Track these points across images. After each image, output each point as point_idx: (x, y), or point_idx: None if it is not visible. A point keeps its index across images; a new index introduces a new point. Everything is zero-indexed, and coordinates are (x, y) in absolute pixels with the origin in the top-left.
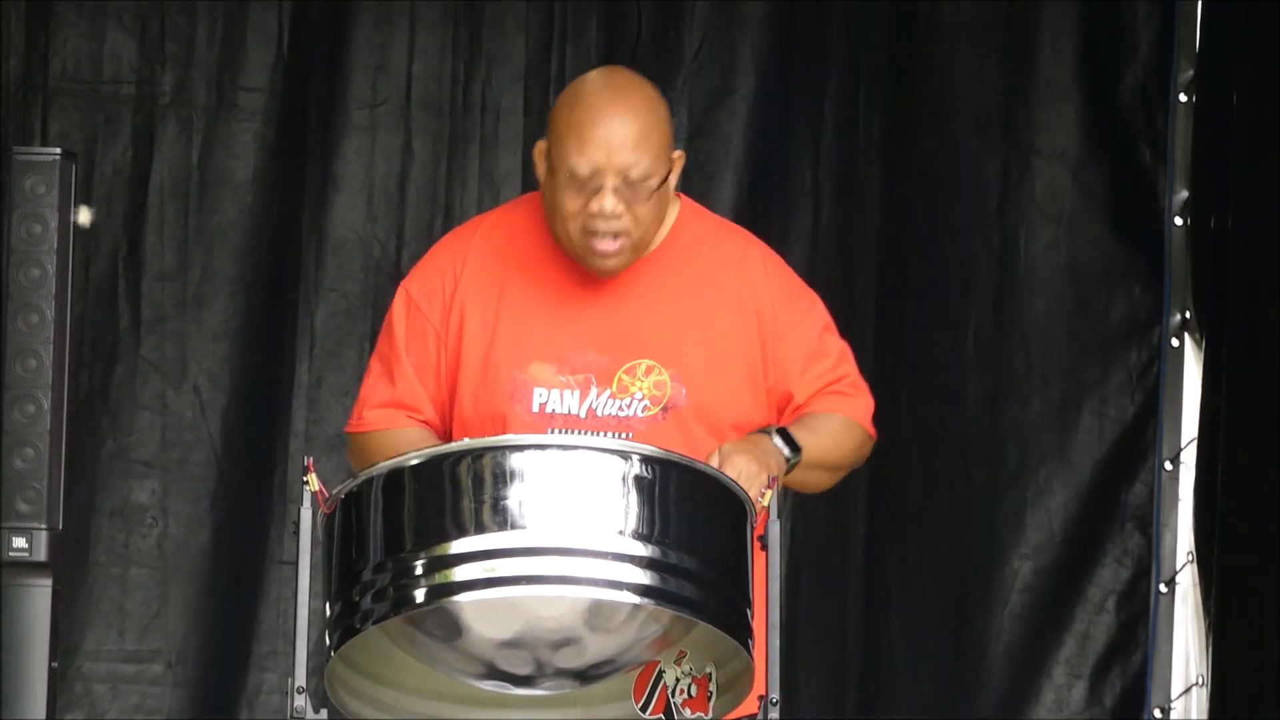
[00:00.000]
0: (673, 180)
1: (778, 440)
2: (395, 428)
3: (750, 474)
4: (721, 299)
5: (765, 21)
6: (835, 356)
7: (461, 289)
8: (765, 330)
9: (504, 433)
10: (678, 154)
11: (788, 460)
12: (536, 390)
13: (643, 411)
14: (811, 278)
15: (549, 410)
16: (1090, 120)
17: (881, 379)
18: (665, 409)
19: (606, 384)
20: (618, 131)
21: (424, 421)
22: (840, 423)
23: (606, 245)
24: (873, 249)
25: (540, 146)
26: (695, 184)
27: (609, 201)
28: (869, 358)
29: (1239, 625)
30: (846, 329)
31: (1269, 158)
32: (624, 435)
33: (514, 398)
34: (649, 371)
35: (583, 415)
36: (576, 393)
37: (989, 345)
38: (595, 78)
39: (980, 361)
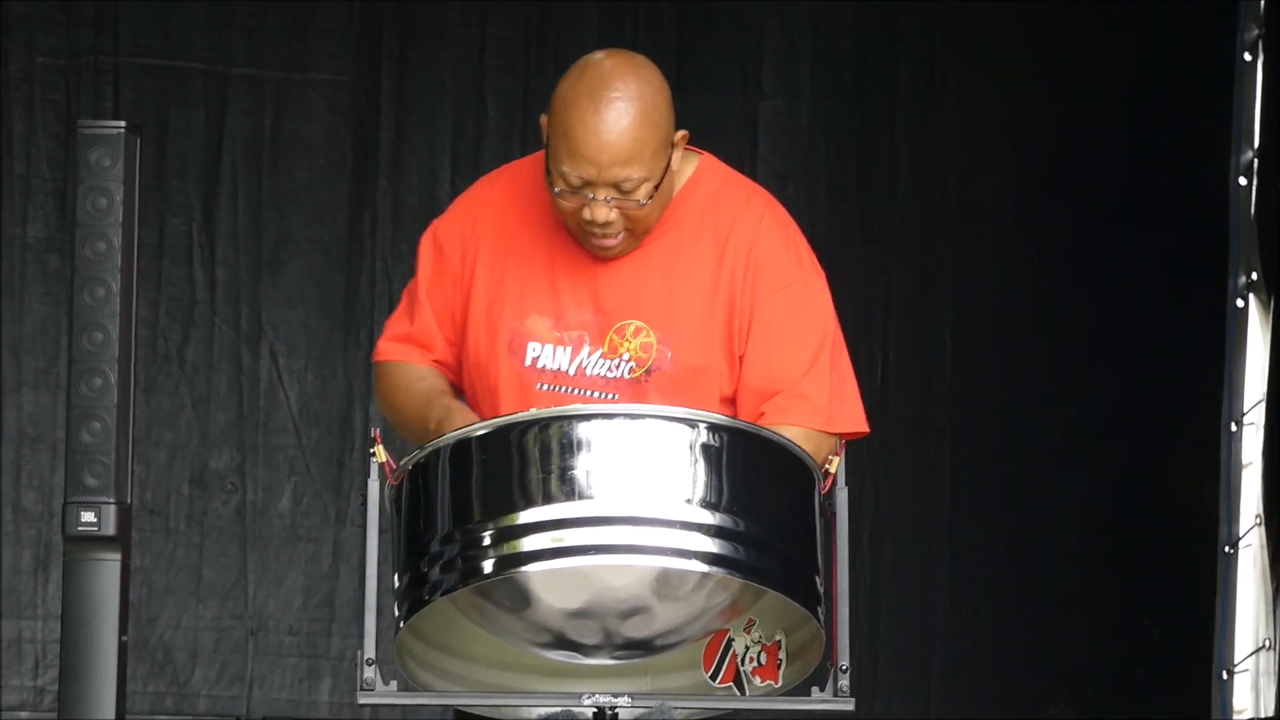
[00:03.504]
0: (674, 157)
1: None
2: (407, 361)
3: None
4: (709, 258)
5: None
6: (803, 346)
7: (478, 233)
8: (750, 293)
9: (496, 384)
10: (680, 134)
11: None
12: (531, 345)
13: (628, 374)
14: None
15: (540, 366)
16: (1152, 80)
17: (960, 340)
18: (649, 371)
19: (599, 343)
20: (608, 147)
21: (436, 360)
22: (801, 437)
23: (604, 242)
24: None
25: (542, 121)
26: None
27: (601, 212)
28: (950, 316)
29: None
30: (926, 286)
31: None
32: (610, 396)
33: (510, 349)
34: (637, 333)
35: (572, 373)
36: (569, 349)
37: (1056, 311)
38: (592, 76)
39: (1046, 325)
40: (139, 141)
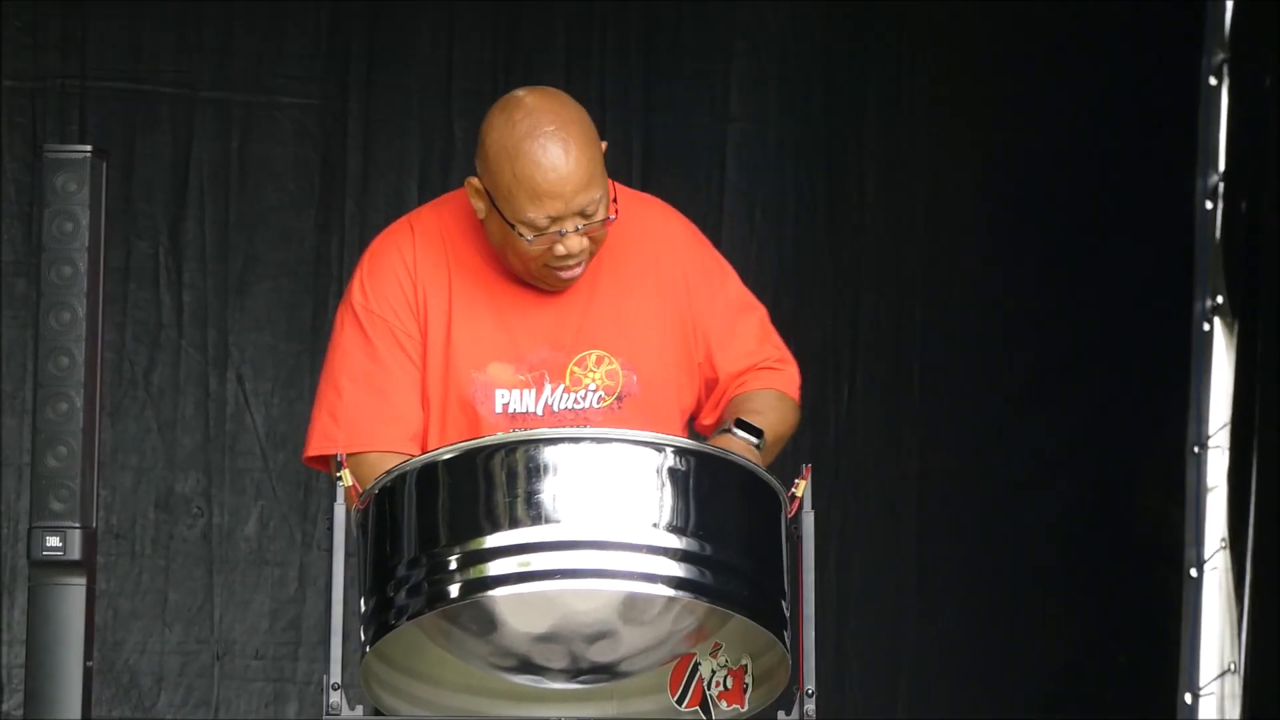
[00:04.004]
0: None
1: (741, 433)
2: (391, 450)
3: None
4: (651, 278)
5: (808, 1)
6: (757, 327)
7: (420, 280)
8: (690, 304)
9: (475, 431)
10: (603, 144)
11: (757, 448)
12: (498, 391)
13: (598, 402)
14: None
15: (511, 410)
16: (1120, 105)
17: (929, 363)
18: (620, 398)
19: (559, 378)
20: (570, 179)
21: (417, 435)
22: (776, 397)
23: (572, 273)
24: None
25: (474, 184)
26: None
27: (574, 243)
28: (917, 340)
29: (1274, 610)
30: (894, 310)
31: None
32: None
33: (476, 399)
34: (599, 362)
35: (540, 413)
36: (533, 390)
37: (1024, 335)
38: (522, 119)
39: (1014, 349)
40: (105, 166)
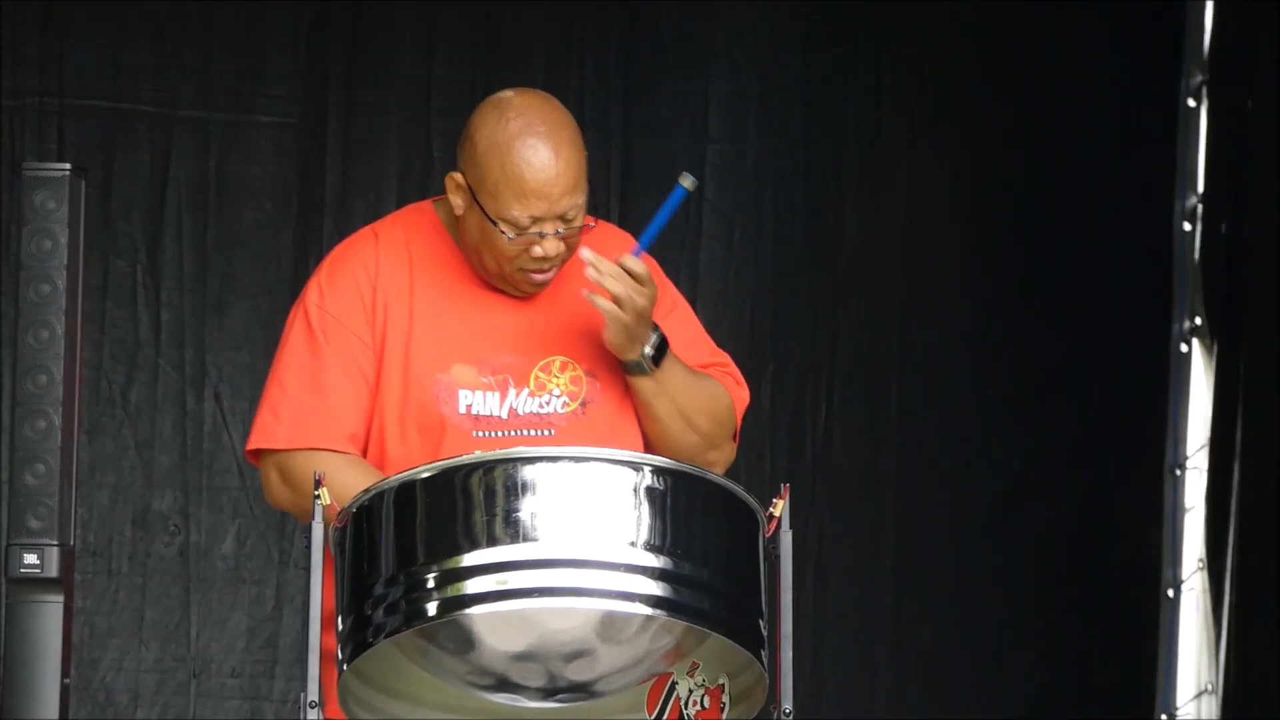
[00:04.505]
0: None
1: (660, 336)
2: (321, 449)
3: (621, 343)
4: None
5: (787, 20)
6: (712, 346)
7: (380, 287)
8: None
9: (439, 435)
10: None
11: (650, 358)
12: (461, 392)
13: (562, 408)
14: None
15: (475, 412)
16: (1099, 126)
17: (907, 383)
18: (584, 404)
19: (524, 383)
20: (557, 181)
21: (353, 436)
22: (716, 387)
23: (544, 276)
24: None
25: (457, 179)
26: (725, 186)
27: (552, 246)
28: (895, 359)
29: (1254, 632)
30: (872, 330)
31: None
32: (545, 432)
33: (439, 399)
34: (564, 368)
35: (504, 416)
36: (497, 394)
37: (1003, 355)
38: (514, 117)
39: (991, 369)
40: (84, 184)
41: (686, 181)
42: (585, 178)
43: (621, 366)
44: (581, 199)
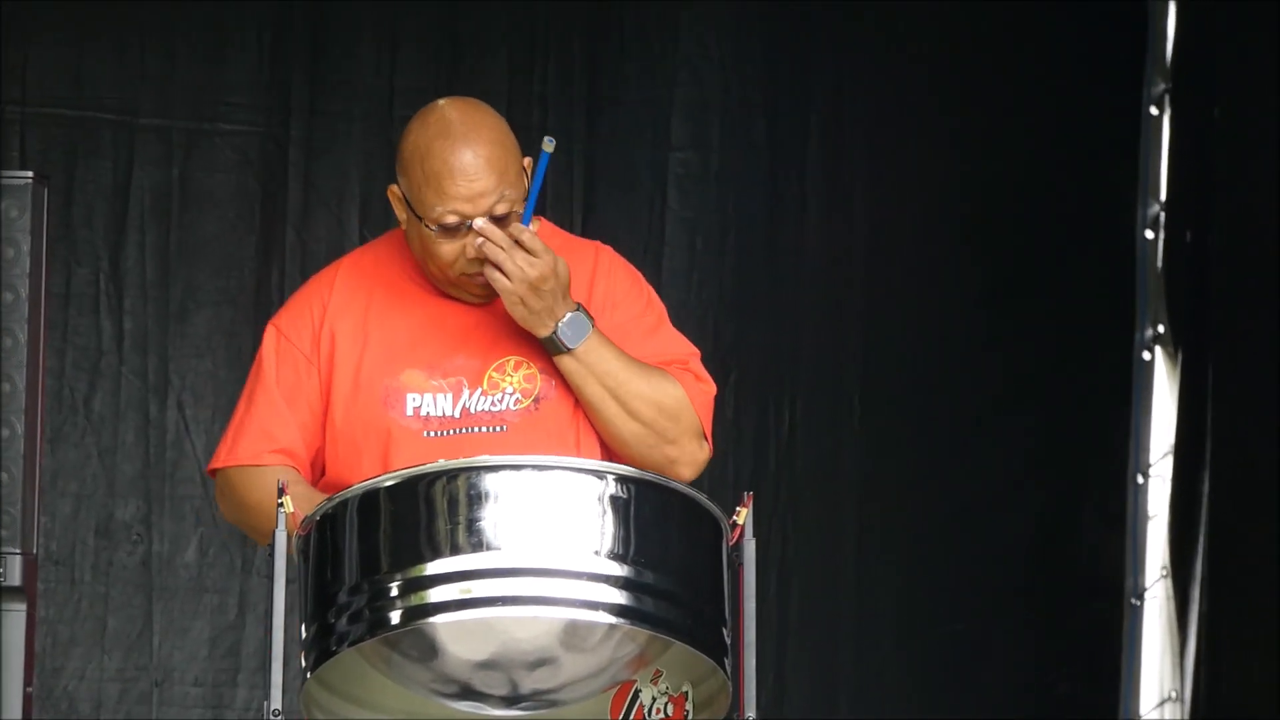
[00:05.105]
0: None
1: (580, 314)
2: (262, 465)
3: (522, 315)
4: (579, 294)
5: (751, 29)
6: (679, 342)
7: (330, 315)
8: (613, 317)
9: (387, 440)
10: (527, 161)
11: (562, 336)
12: (410, 396)
13: (515, 405)
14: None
15: (424, 414)
16: (1061, 134)
17: (869, 392)
18: (537, 400)
19: (478, 383)
20: (476, 178)
21: (285, 450)
22: (663, 378)
23: (483, 278)
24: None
25: (394, 190)
26: (688, 194)
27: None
28: (857, 368)
29: (1223, 638)
30: (834, 338)
31: (1257, 172)
32: (498, 429)
33: (387, 404)
34: (518, 367)
35: (457, 415)
36: (449, 395)
37: (966, 364)
38: (436, 120)
39: (955, 377)
40: (46, 191)
41: (548, 145)
42: (516, 176)
43: (542, 345)
44: (509, 194)
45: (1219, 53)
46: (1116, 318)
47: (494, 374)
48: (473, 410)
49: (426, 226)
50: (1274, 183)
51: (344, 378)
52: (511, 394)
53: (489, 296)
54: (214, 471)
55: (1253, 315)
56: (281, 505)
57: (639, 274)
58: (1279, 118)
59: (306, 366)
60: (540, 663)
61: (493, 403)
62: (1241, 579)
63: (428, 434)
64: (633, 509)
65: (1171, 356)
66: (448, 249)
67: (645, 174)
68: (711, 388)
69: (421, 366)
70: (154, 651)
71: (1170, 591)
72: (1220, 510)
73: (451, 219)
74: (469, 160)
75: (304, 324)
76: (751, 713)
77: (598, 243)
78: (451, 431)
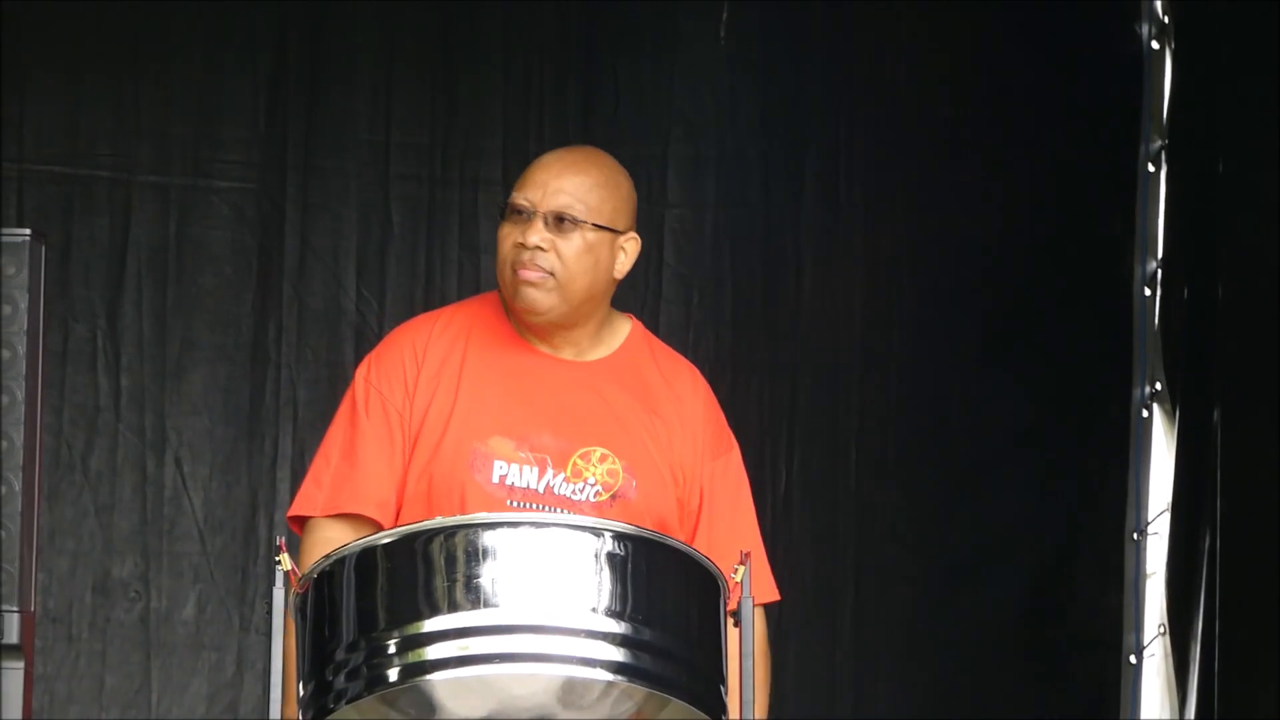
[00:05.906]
0: (620, 256)
1: None
2: (362, 515)
3: None
4: (667, 412)
5: (745, 87)
6: (746, 512)
7: (425, 372)
8: (695, 460)
9: (464, 501)
10: (631, 235)
11: None
12: (497, 463)
13: (594, 497)
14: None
15: (509, 483)
16: (1057, 192)
17: (865, 448)
18: (614, 497)
19: (561, 467)
20: (558, 174)
21: (381, 502)
22: (762, 647)
23: (530, 274)
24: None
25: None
26: (683, 250)
27: (534, 235)
28: (854, 425)
29: (1228, 694)
30: (831, 396)
31: (1259, 225)
32: None
33: (474, 467)
34: (603, 459)
35: (541, 491)
36: (535, 469)
37: (959, 417)
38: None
39: (951, 434)
40: (44, 249)
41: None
42: (598, 203)
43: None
44: (581, 208)
45: (1218, 104)
46: (1114, 375)
47: (579, 460)
48: (556, 492)
49: (504, 217)
50: (1276, 236)
51: (432, 433)
52: (593, 485)
53: (542, 306)
54: (298, 519)
55: (1254, 371)
56: (279, 562)
57: (720, 411)
58: None
59: (400, 422)
60: None
61: (574, 490)
62: (1242, 638)
63: (511, 503)
64: (630, 566)
65: (1169, 414)
66: (510, 236)
67: (641, 230)
68: (775, 595)
69: (511, 436)
70: (152, 708)
71: (1168, 649)
72: (1220, 569)
73: (523, 202)
74: (555, 159)
75: (397, 377)
76: None
77: (694, 369)
78: (536, 506)
